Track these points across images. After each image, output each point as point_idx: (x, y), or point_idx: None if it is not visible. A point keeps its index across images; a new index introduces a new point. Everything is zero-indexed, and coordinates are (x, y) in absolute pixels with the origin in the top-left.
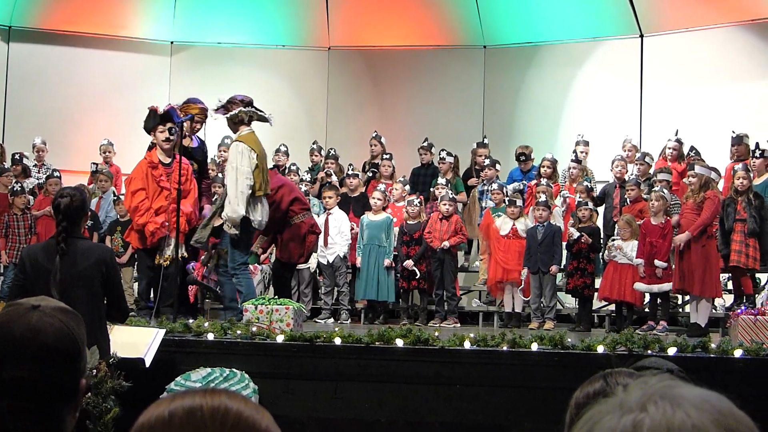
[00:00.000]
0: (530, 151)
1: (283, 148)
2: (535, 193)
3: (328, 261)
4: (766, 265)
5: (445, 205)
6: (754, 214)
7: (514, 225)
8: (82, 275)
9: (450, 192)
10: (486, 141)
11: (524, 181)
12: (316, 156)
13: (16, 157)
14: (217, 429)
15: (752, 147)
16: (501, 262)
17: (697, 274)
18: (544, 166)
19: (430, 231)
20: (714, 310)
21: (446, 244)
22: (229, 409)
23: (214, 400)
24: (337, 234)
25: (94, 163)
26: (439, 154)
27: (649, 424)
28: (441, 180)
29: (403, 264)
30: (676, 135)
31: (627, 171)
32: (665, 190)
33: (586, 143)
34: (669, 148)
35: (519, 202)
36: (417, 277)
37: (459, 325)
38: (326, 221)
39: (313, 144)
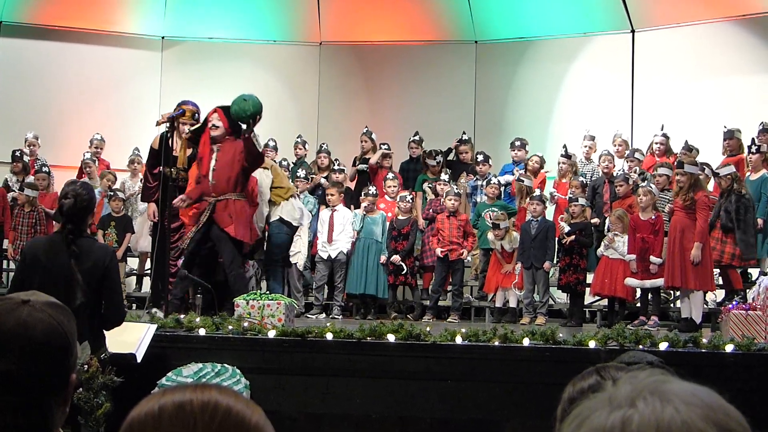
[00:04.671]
0: (525, 143)
1: (271, 143)
2: (514, 190)
3: (330, 256)
4: (748, 260)
5: (450, 200)
6: (730, 210)
7: (502, 246)
8: (81, 274)
9: (455, 187)
10: (466, 137)
11: (517, 170)
12: (300, 149)
13: (17, 153)
14: (206, 424)
15: (747, 142)
16: (496, 271)
17: (692, 268)
18: (532, 161)
19: (440, 231)
20: (705, 305)
21: (467, 257)
22: (219, 404)
23: (204, 395)
24: (341, 232)
25: (90, 160)
26: (435, 158)
27: (638, 420)
28: (444, 176)
29: (391, 259)
30: (662, 130)
31: (615, 166)
32: (652, 185)
33: (592, 138)
34: (656, 143)
35: (503, 225)
36: (404, 272)
37: (458, 320)
38: (331, 217)
39: (298, 138)
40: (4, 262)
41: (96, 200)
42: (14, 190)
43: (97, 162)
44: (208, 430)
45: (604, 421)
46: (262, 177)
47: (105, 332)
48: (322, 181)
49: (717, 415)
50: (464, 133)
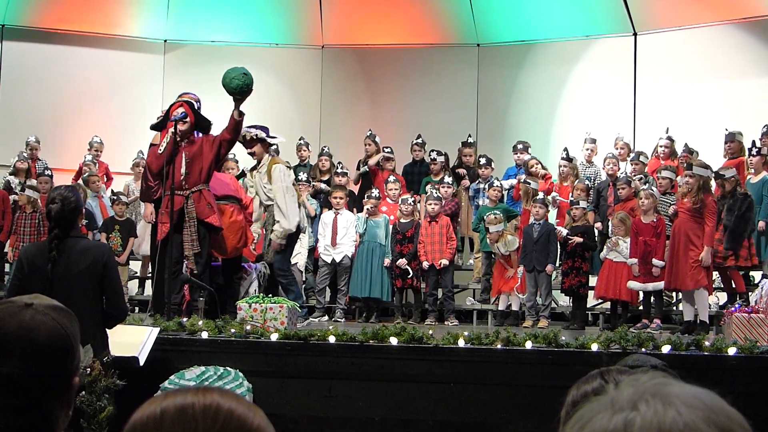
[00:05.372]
0: (528, 145)
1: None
2: (519, 192)
3: (333, 260)
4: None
5: (431, 205)
6: (734, 210)
7: (498, 248)
8: (80, 275)
9: (434, 192)
10: (471, 140)
11: (519, 176)
12: (305, 151)
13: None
14: (208, 427)
15: (748, 145)
16: (500, 275)
17: (691, 270)
18: (535, 166)
19: (423, 240)
20: (708, 307)
21: (444, 262)
22: (221, 407)
23: (206, 398)
24: (344, 235)
25: (87, 164)
26: (429, 155)
27: (640, 423)
28: (448, 179)
29: (396, 263)
30: (667, 132)
31: (619, 169)
32: (653, 188)
33: (593, 141)
34: (661, 146)
35: (492, 228)
36: (409, 276)
37: (458, 323)
38: (334, 221)
39: (300, 139)
40: (6, 265)
41: (83, 202)
42: (16, 193)
43: (97, 165)
44: None
45: (607, 424)
46: (284, 175)
47: (108, 333)
48: (323, 186)
49: (719, 418)
50: (469, 136)
